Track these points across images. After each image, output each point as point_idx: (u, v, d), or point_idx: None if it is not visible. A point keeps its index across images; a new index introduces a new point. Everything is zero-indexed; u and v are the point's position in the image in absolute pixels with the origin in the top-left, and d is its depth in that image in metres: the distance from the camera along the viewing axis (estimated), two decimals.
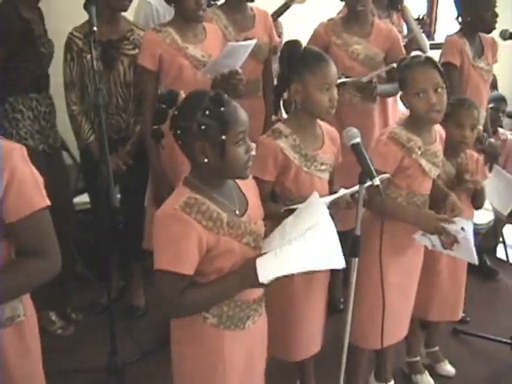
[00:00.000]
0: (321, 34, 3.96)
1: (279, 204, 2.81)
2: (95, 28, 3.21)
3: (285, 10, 4.45)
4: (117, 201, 3.02)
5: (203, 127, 2.12)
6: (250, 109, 2.92)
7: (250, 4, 3.91)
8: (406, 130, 2.97)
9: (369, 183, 2.48)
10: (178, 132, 2.19)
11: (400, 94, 3.06)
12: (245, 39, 3.74)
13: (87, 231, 4.27)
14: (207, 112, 2.13)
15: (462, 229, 2.96)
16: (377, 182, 2.44)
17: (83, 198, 4.32)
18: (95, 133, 3.75)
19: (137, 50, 3.71)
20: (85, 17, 3.41)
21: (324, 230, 2.25)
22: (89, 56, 3.53)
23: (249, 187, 2.40)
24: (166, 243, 2.12)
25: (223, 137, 2.13)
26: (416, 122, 2.99)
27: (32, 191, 1.93)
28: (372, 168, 2.47)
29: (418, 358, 3.73)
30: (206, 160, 2.16)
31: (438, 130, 3.11)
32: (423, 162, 2.97)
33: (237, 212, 2.26)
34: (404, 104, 3.04)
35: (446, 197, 3.12)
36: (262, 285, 2.20)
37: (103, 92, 3.07)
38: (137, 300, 4.27)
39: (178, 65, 3.47)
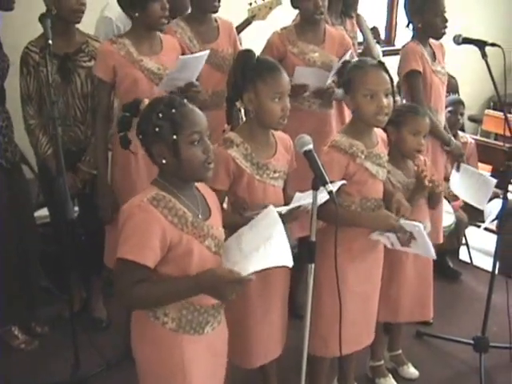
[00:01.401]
0: (276, 44, 3.97)
1: (234, 213, 2.83)
2: (50, 41, 3.25)
3: (246, 26, 4.46)
4: (73, 214, 3.04)
5: (157, 129, 2.24)
6: (215, 119, 2.96)
7: (214, 15, 3.92)
8: (347, 136, 2.99)
9: (324, 193, 2.51)
10: (140, 137, 2.30)
11: (345, 95, 3.07)
12: (210, 51, 3.74)
13: (49, 244, 4.25)
14: (160, 115, 2.24)
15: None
16: (330, 187, 2.47)
17: (45, 212, 4.29)
18: (53, 146, 3.73)
19: (93, 62, 3.71)
20: (41, 30, 3.43)
21: (277, 241, 2.36)
22: (45, 69, 3.53)
23: (211, 197, 2.48)
24: (130, 233, 2.20)
25: (174, 136, 2.22)
26: (358, 126, 3.02)
27: None
28: (325, 174, 2.50)
29: (382, 362, 3.76)
30: (164, 161, 2.26)
31: (379, 134, 3.15)
32: (368, 164, 3.00)
33: (199, 216, 2.33)
34: (348, 105, 3.06)
35: (391, 197, 3.14)
36: (216, 295, 2.28)
37: (59, 105, 3.09)
38: (97, 312, 4.27)
39: (132, 77, 3.45)
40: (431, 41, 4.11)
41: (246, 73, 2.78)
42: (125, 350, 3.84)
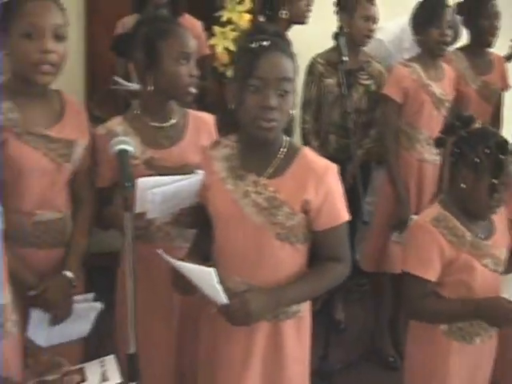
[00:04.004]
0: None
1: None
2: (344, 58, 3.56)
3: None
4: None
5: (477, 161, 2.36)
6: None
7: (489, 50, 4.15)
8: None
9: None
10: (456, 151, 2.45)
11: None
12: (483, 83, 4.02)
13: None
14: (488, 151, 2.35)
15: None
16: None
17: None
18: (320, 152, 4.00)
19: (371, 81, 4.05)
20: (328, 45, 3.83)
21: None
22: (327, 80, 3.95)
23: (500, 220, 2.59)
24: (413, 249, 2.48)
25: (493, 180, 2.35)
26: None
27: (340, 207, 2.22)
28: None
29: None
30: (462, 186, 2.42)
31: None
32: None
33: (481, 236, 2.48)
34: None
35: None
36: (492, 323, 2.44)
37: (351, 116, 3.43)
38: (337, 314, 4.46)
39: (420, 100, 3.73)
40: None
41: None
42: (362, 352, 4.10)
